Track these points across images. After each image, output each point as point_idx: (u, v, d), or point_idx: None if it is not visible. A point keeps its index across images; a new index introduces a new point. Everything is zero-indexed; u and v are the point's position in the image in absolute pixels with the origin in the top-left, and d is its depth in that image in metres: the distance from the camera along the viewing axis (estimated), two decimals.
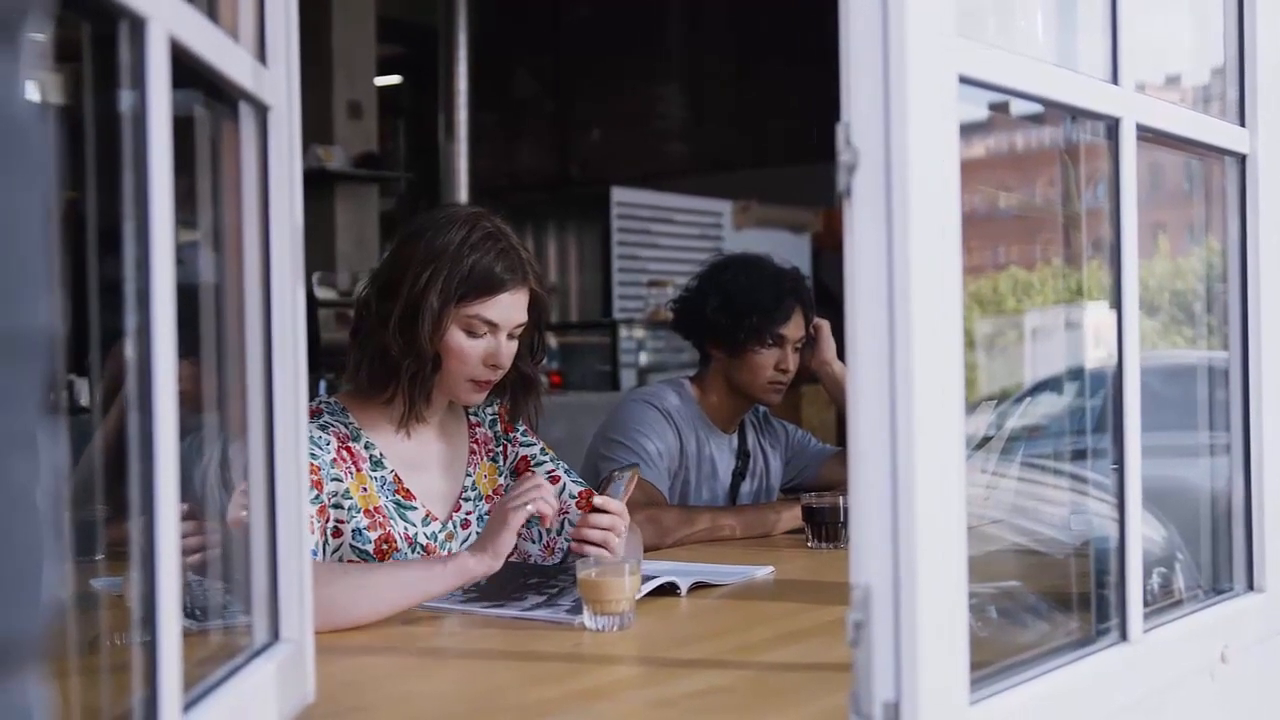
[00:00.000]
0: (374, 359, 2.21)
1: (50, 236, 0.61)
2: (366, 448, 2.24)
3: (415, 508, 2.25)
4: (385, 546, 2.19)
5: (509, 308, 2.22)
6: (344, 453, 2.18)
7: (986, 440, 2.21)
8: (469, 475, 2.36)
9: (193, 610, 1.38)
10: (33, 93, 0.61)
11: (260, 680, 1.29)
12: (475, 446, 2.39)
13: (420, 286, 2.16)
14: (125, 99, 1.03)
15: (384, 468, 2.24)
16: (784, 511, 2.89)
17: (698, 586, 2.20)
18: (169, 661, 1.02)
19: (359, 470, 2.20)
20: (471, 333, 2.20)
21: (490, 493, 2.38)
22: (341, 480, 2.16)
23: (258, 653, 1.35)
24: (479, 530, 2.31)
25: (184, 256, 1.11)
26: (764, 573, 2.36)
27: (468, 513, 2.34)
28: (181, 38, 1.07)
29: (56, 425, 0.63)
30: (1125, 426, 1.53)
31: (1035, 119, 1.75)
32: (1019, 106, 1.56)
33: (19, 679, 0.58)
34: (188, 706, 1.10)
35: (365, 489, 2.20)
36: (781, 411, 3.32)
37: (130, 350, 1.03)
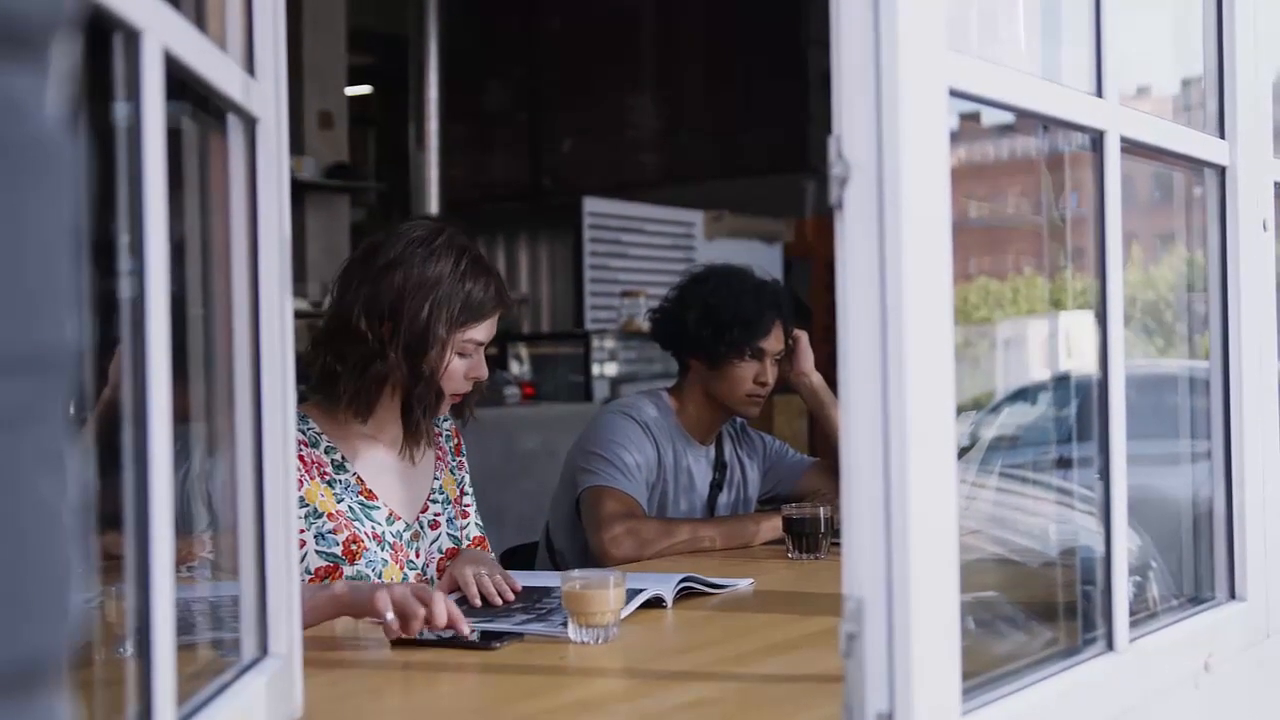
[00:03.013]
0: (373, 384, 2.27)
1: (77, 252, 0.61)
2: (327, 452, 2.30)
3: (379, 507, 2.31)
4: (354, 547, 2.25)
5: (493, 326, 2.35)
6: (297, 461, 2.21)
7: (964, 451, 2.22)
8: (436, 479, 2.45)
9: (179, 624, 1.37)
10: (58, 108, 0.61)
11: (250, 695, 1.28)
12: (440, 453, 2.48)
13: (425, 317, 2.25)
14: (119, 110, 1.02)
15: (347, 471, 2.30)
16: (764, 522, 2.89)
17: (685, 593, 2.20)
18: (163, 677, 1.02)
19: (313, 478, 2.26)
20: (462, 354, 2.31)
21: (453, 500, 2.47)
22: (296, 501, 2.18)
23: (247, 668, 1.34)
24: (448, 532, 2.42)
25: (170, 268, 1.11)
26: (745, 584, 2.36)
27: (436, 514, 2.42)
28: (175, 50, 1.07)
29: (79, 442, 0.62)
30: (1111, 436, 1.54)
31: (1005, 129, 1.76)
32: (990, 116, 1.56)
33: (48, 695, 0.58)
34: None
35: (323, 495, 2.25)
36: (754, 421, 3.32)
37: (124, 362, 1.02)
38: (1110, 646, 1.53)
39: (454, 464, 2.52)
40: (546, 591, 2.21)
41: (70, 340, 0.60)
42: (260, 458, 1.38)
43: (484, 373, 2.35)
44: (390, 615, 1.83)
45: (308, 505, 2.22)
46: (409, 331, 2.24)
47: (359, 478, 2.31)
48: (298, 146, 7.35)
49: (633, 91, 10.03)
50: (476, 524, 2.54)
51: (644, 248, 8.27)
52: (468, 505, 2.53)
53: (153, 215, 1.02)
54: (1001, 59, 1.54)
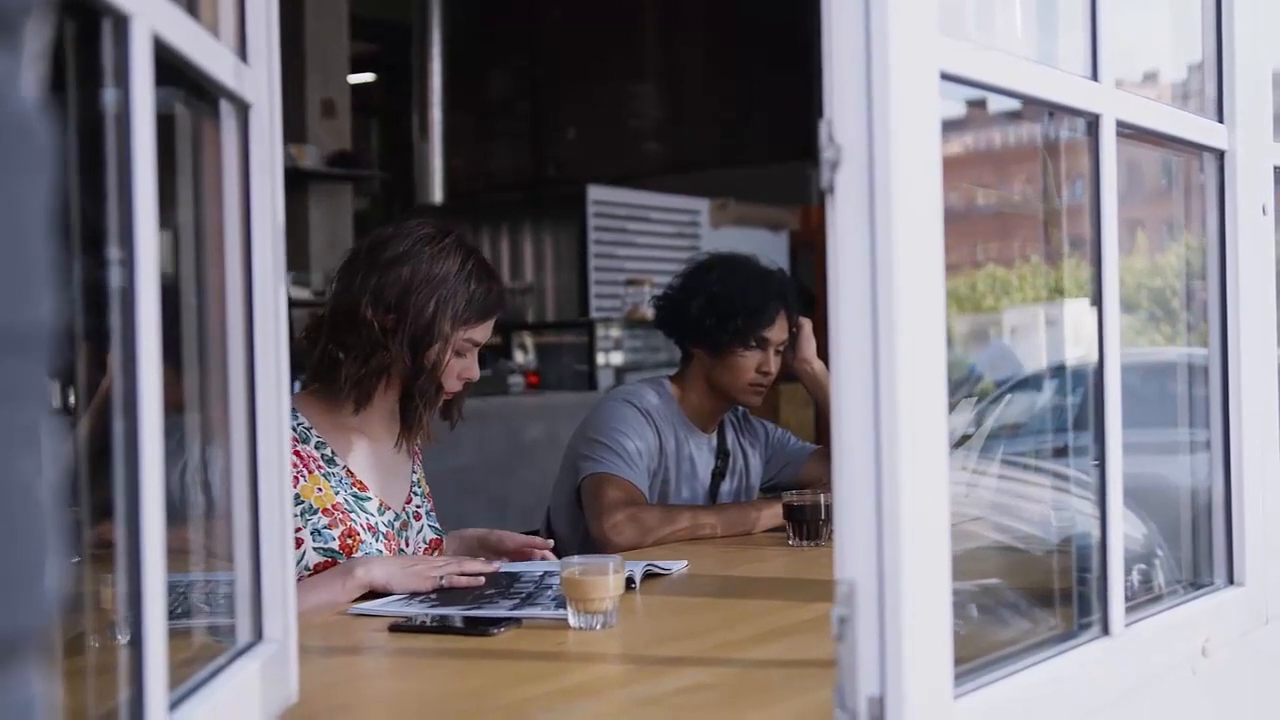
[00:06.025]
0: (374, 375, 2.30)
1: (52, 232, 0.61)
2: (317, 447, 2.32)
3: (370, 498, 2.35)
4: (350, 541, 2.27)
5: (490, 329, 2.40)
6: (293, 456, 2.22)
7: (966, 438, 2.22)
8: (415, 472, 2.50)
9: (173, 610, 1.37)
10: (33, 89, 0.61)
11: (244, 680, 1.28)
12: (416, 450, 2.52)
13: (430, 313, 2.28)
14: (108, 96, 1.02)
15: (336, 465, 2.33)
16: (764, 509, 2.89)
17: (649, 576, 2.26)
18: (155, 661, 1.02)
19: (311, 472, 2.28)
20: (459, 353, 2.34)
21: (426, 493, 2.53)
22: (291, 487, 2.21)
23: (241, 652, 1.34)
24: (429, 524, 2.48)
25: (162, 256, 1.11)
26: (679, 566, 2.40)
27: (417, 506, 2.47)
28: (164, 35, 1.07)
29: (57, 421, 0.63)
30: (1106, 421, 1.54)
31: (1012, 115, 1.76)
32: (996, 103, 1.56)
33: (23, 673, 0.58)
34: (173, 705, 1.09)
35: (320, 489, 2.28)
36: (759, 410, 3.32)
37: (112, 352, 1.02)
38: (1105, 631, 1.53)
39: (421, 462, 2.57)
40: (515, 577, 2.22)
41: (47, 320, 0.61)
42: (254, 444, 1.38)
43: (475, 374, 2.40)
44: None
45: (304, 502, 2.24)
46: (414, 324, 2.28)
47: (349, 470, 2.34)
48: (300, 135, 7.35)
49: (636, 80, 10.03)
50: (433, 526, 2.54)
51: (649, 236, 8.27)
52: (422, 506, 2.56)
53: (142, 203, 1.02)
54: (997, 43, 1.53)
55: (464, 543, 2.52)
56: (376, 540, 2.30)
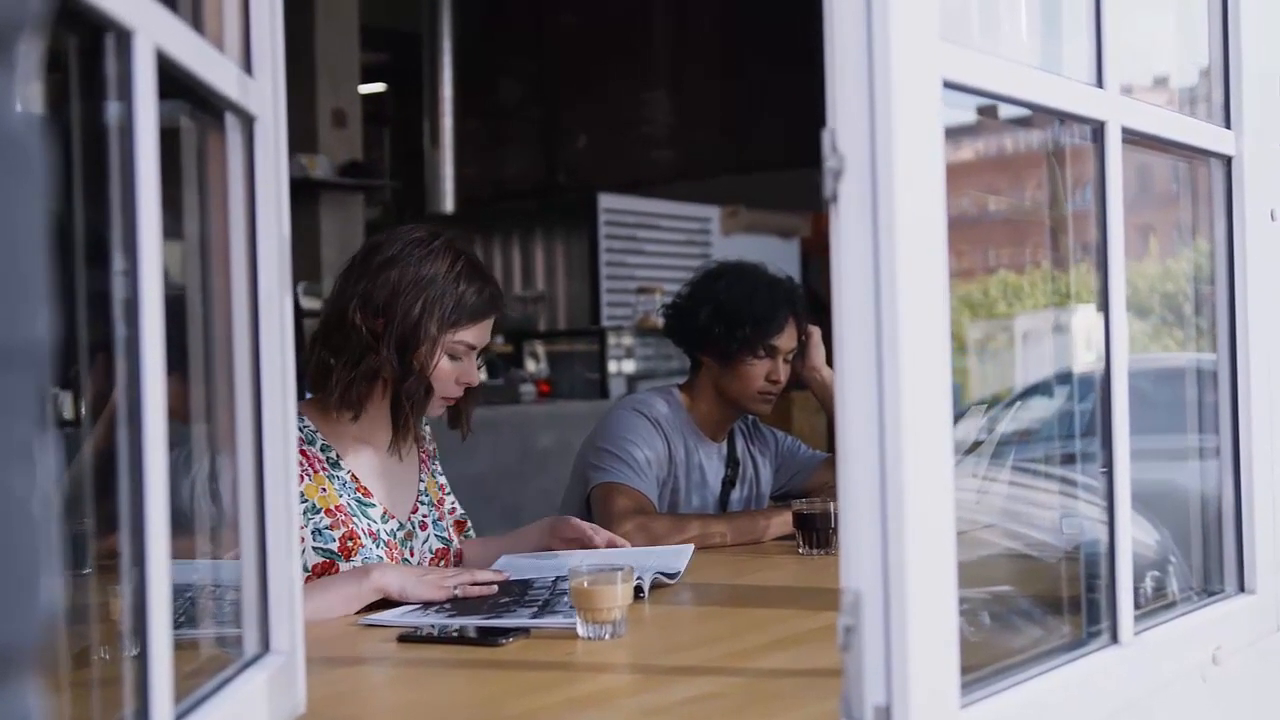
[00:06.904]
0: (364, 379, 2.30)
1: (47, 249, 0.62)
2: (323, 450, 2.33)
3: (374, 505, 2.35)
4: (350, 544, 2.28)
5: (487, 331, 2.39)
6: (298, 456, 2.23)
7: (977, 444, 2.21)
8: (421, 481, 2.49)
9: (178, 620, 1.37)
10: (29, 106, 0.61)
11: (251, 691, 1.29)
12: (424, 457, 2.52)
13: (416, 315, 2.28)
14: (111, 110, 1.03)
15: (342, 469, 2.33)
16: (774, 518, 2.88)
17: (657, 586, 2.25)
18: (160, 672, 1.02)
19: (316, 472, 2.29)
20: (453, 356, 2.34)
21: (436, 501, 2.51)
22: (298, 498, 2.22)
23: (248, 664, 1.34)
24: (436, 533, 2.46)
25: (168, 268, 1.11)
26: (686, 554, 2.43)
27: (424, 516, 2.46)
28: (168, 49, 1.07)
29: (51, 436, 0.63)
30: (1114, 428, 1.54)
31: (1023, 122, 1.76)
32: (1007, 109, 1.56)
33: (18, 687, 0.58)
34: (179, 718, 1.09)
35: (324, 490, 2.29)
36: (772, 418, 3.31)
37: (118, 363, 1.02)
38: (1114, 639, 1.53)
39: (434, 468, 2.56)
40: (528, 584, 2.23)
41: (42, 336, 0.61)
42: (261, 455, 1.38)
43: (474, 379, 2.38)
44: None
45: (307, 501, 2.25)
46: (401, 326, 2.28)
47: (353, 475, 2.34)
48: (311, 145, 7.35)
49: (646, 87, 10.02)
50: (442, 535, 2.53)
51: (660, 244, 8.27)
52: (452, 500, 2.57)
53: (145, 215, 1.02)
54: (1001, 51, 1.53)
55: (555, 532, 2.54)
56: (377, 546, 2.30)
